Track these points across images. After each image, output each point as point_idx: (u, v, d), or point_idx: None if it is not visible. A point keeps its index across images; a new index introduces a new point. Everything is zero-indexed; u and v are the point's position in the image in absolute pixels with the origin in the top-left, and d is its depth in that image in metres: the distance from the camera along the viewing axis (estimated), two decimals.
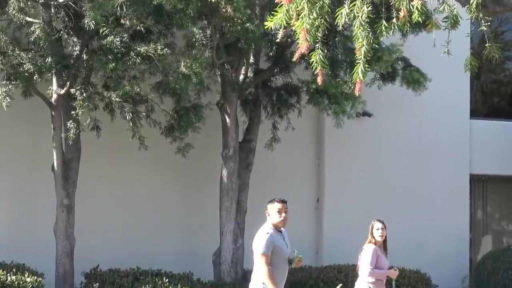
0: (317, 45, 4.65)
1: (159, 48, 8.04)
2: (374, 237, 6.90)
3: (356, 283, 6.91)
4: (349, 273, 9.45)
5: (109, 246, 10.41)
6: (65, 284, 9.06)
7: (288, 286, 9.14)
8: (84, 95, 8.41)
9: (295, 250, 5.86)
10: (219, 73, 9.57)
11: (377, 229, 6.92)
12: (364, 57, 4.57)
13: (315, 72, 4.77)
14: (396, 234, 11.18)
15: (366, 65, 4.59)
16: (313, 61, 4.69)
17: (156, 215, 10.89)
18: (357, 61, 4.62)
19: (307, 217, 11.55)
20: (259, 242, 5.70)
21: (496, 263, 10.67)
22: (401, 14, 4.48)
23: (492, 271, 10.65)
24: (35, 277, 8.58)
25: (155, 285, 8.70)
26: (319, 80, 4.73)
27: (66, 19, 8.64)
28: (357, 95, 7.62)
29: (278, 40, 8.22)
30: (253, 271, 5.81)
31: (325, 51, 4.75)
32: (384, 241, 6.92)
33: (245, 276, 9.71)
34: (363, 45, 4.56)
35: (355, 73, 4.64)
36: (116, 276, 8.93)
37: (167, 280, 8.84)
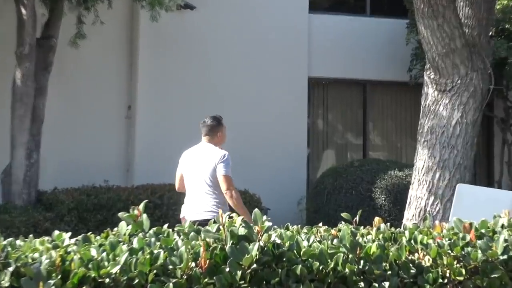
0: None
1: None
2: None
3: None
4: (164, 194, 10.41)
5: None
6: None
7: (92, 208, 10.13)
8: None
9: None
10: None
11: None
12: None
13: None
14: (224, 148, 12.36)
15: None
16: None
17: None
18: None
19: (116, 128, 12.29)
20: (223, 162, 7.10)
21: (337, 182, 11.64)
22: None
23: (333, 191, 11.59)
24: None
25: None
26: None
27: None
28: None
29: None
30: (201, 194, 7.11)
31: None
32: None
33: (40, 198, 10.42)
34: None
35: None
36: None
37: None
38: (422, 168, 7.39)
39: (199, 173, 7.26)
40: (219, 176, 7.10)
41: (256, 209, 3.60)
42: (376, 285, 3.42)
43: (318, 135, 13.90)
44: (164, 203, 10.30)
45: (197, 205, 7.19)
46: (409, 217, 7.35)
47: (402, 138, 14.20)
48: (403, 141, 14.23)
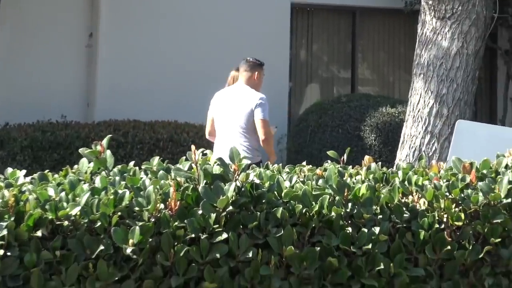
0: None
1: None
2: None
3: None
4: (129, 132, 10.40)
5: None
6: None
7: (48, 147, 10.10)
8: None
9: None
10: None
11: None
12: None
13: None
14: (194, 83, 12.38)
15: None
16: None
17: None
18: None
19: (75, 57, 12.16)
20: (261, 106, 7.48)
21: (322, 119, 11.66)
22: None
23: (317, 129, 11.60)
24: None
25: None
26: None
27: None
28: None
29: None
30: (233, 138, 7.49)
31: None
32: None
33: None
34: None
35: None
36: None
37: None
38: (417, 104, 7.40)
39: (234, 116, 7.58)
40: (257, 120, 7.46)
41: (233, 147, 3.61)
42: (365, 230, 3.45)
43: (301, 67, 13.83)
44: (129, 142, 10.29)
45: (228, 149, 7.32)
46: (402, 157, 7.40)
47: (395, 71, 14.23)
48: (396, 74, 14.26)
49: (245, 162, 3.47)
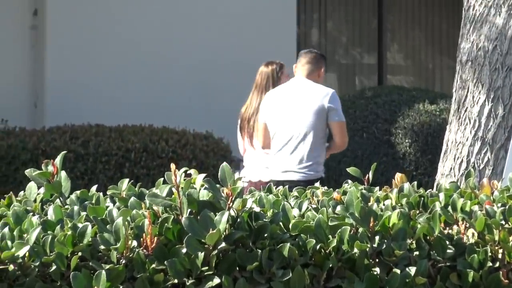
0: None
1: None
2: None
3: None
4: (90, 140, 10.39)
5: None
6: None
7: None
8: None
9: None
10: None
11: None
12: None
13: None
14: (174, 88, 12.36)
15: None
16: None
17: None
18: None
19: (17, 43, 12.25)
20: (333, 103, 7.85)
21: None
22: None
23: None
24: None
25: None
26: None
27: None
28: None
29: None
30: (296, 145, 7.78)
31: None
32: None
33: None
34: None
35: None
36: None
37: None
38: (464, 100, 7.43)
39: (296, 117, 7.83)
40: (333, 122, 7.78)
41: (224, 163, 3.61)
42: (398, 271, 3.48)
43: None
44: (90, 153, 10.31)
45: (290, 160, 7.76)
46: (445, 171, 7.42)
47: (435, 57, 14.30)
48: (436, 60, 14.33)
49: (240, 184, 3.49)
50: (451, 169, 7.40)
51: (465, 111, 7.45)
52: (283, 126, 7.88)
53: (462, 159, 7.36)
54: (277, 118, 7.94)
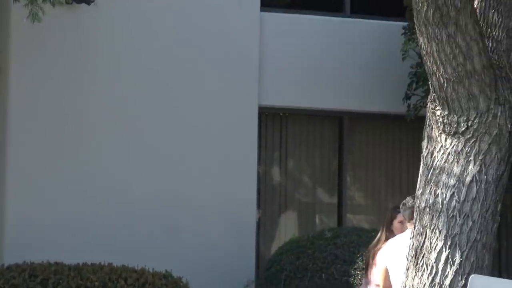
0: None
1: None
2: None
3: None
4: (49, 279, 10.31)
5: None
6: None
7: None
8: None
9: None
10: None
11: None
12: None
13: None
14: (133, 227, 12.24)
15: None
16: None
17: None
18: None
19: None
20: None
21: (300, 260, 11.73)
22: None
23: (294, 274, 11.69)
24: None
25: None
26: None
27: None
28: None
29: None
30: None
31: None
32: None
33: None
34: None
35: None
36: None
37: None
38: (422, 247, 7.43)
39: None
40: None
41: None
42: None
43: (273, 190, 13.93)
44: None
45: None
46: None
47: (395, 196, 14.31)
48: (396, 200, 14.35)
49: None
50: None
51: (423, 257, 7.47)
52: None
53: None
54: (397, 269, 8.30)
